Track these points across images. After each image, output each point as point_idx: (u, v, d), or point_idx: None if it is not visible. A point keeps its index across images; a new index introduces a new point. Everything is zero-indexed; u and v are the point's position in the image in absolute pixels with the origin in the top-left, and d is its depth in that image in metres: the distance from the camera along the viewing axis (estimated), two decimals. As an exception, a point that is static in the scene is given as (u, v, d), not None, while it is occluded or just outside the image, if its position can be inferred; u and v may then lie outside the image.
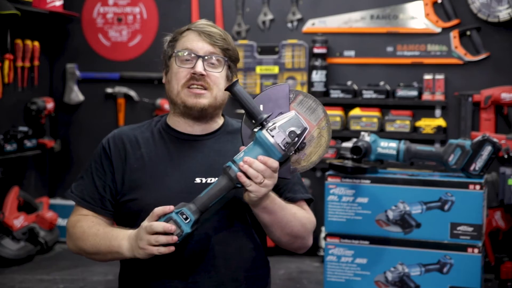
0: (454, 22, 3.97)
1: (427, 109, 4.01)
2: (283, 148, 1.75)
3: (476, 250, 2.79)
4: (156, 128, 2.03)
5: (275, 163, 1.75)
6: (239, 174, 1.74)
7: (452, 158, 2.91)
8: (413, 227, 2.86)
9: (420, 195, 2.85)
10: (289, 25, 4.21)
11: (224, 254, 1.90)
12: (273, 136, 1.75)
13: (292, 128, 1.76)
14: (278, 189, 1.95)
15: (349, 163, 2.97)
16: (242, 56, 4.11)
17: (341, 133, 4.00)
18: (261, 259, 1.99)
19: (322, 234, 3.54)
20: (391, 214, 2.89)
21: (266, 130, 1.76)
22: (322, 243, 3.53)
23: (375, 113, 4.01)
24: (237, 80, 1.83)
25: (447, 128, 3.98)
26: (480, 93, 3.85)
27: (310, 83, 4.11)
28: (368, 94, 4.02)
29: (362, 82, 4.09)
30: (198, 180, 1.92)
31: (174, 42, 2.00)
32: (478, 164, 2.87)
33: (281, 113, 1.81)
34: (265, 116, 1.78)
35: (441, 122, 3.93)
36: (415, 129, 3.96)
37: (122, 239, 1.85)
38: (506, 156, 3.69)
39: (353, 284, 2.93)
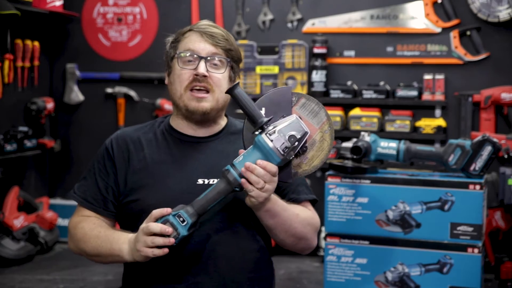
0: (454, 22, 3.97)
1: (427, 109, 4.01)
2: (282, 152, 1.74)
3: (476, 250, 2.79)
4: (159, 129, 2.03)
5: (274, 168, 1.74)
6: (243, 181, 1.74)
7: (452, 158, 2.91)
8: (413, 227, 2.86)
9: (420, 195, 2.85)
10: (289, 25, 4.21)
11: (226, 256, 1.90)
12: (272, 141, 1.73)
13: (292, 133, 1.74)
14: (282, 191, 1.95)
15: (349, 163, 2.97)
16: (242, 56, 4.10)
17: (341, 133, 4.00)
18: (264, 261, 1.98)
19: (322, 234, 3.54)
20: (391, 214, 2.89)
21: (266, 134, 1.74)
22: (322, 243, 3.53)
23: (375, 113, 4.00)
24: (238, 83, 1.82)
25: (447, 128, 3.98)
26: (480, 93, 3.85)
27: (310, 83, 4.11)
28: (368, 94, 4.02)
29: (362, 82, 4.09)
30: (200, 181, 1.91)
31: (176, 43, 1.99)
32: (478, 164, 2.87)
33: (283, 116, 1.80)
34: (265, 119, 1.77)
35: (441, 122, 3.93)
36: (415, 129, 3.96)
37: (123, 242, 1.85)
38: (506, 156, 3.68)
39: (353, 284, 2.93)
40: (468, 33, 3.94)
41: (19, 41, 4.02)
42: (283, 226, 1.88)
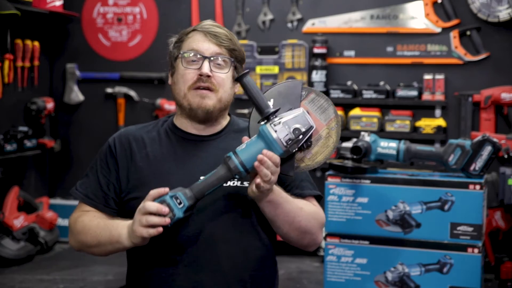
0: (454, 22, 3.97)
1: (427, 109, 4.01)
2: (285, 144, 1.74)
3: (476, 250, 2.79)
4: (162, 128, 2.04)
5: (277, 159, 1.75)
6: (258, 181, 1.73)
7: (452, 158, 2.91)
8: (413, 227, 2.86)
9: (420, 195, 2.85)
10: (289, 25, 4.21)
11: (228, 254, 1.90)
12: (276, 131, 1.74)
13: (297, 125, 1.74)
14: (285, 186, 1.95)
15: (349, 163, 2.97)
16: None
17: (341, 133, 3.99)
18: (268, 259, 1.98)
19: (322, 234, 3.54)
20: (391, 214, 2.89)
21: (271, 124, 1.74)
22: (322, 243, 3.53)
23: (375, 113, 4.00)
24: (248, 71, 1.82)
25: (447, 128, 3.97)
26: (480, 93, 3.85)
27: (310, 83, 4.11)
28: (368, 94, 4.02)
29: (362, 82, 4.09)
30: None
31: (180, 43, 1.99)
32: (478, 164, 2.87)
33: (291, 109, 1.80)
34: (272, 110, 1.77)
35: (441, 122, 3.93)
36: (415, 129, 3.96)
37: (122, 227, 1.85)
38: (506, 156, 3.68)
39: (353, 284, 2.93)
40: (468, 33, 3.94)
41: (19, 41, 4.02)
42: (286, 218, 1.88)
